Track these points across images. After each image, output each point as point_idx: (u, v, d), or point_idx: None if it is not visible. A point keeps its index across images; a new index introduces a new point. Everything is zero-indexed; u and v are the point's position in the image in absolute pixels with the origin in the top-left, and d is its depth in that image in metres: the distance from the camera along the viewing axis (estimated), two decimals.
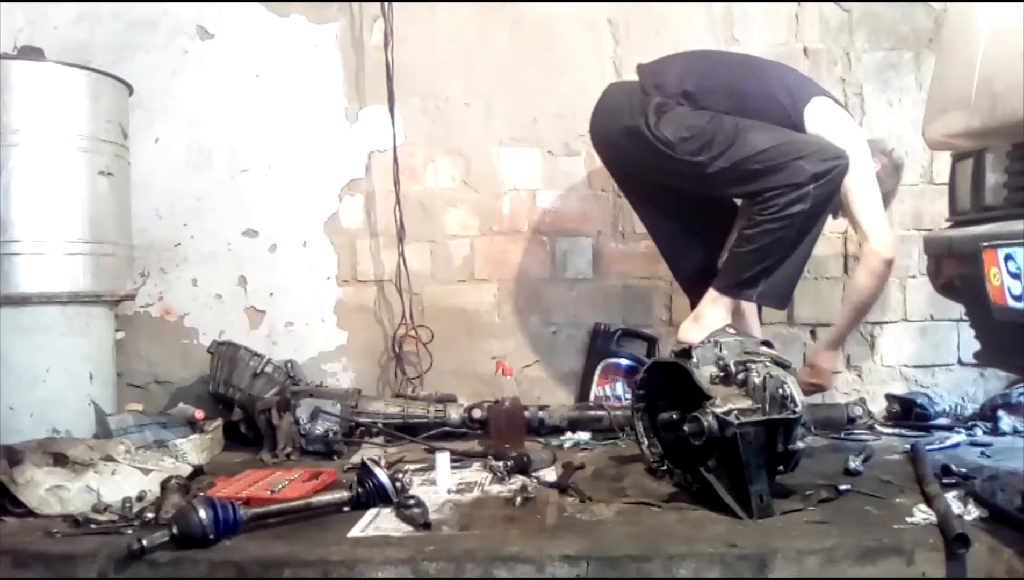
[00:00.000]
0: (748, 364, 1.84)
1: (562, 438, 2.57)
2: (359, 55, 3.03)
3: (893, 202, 2.61)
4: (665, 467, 2.02)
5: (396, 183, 2.98)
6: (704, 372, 1.89)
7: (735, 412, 1.72)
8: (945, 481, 1.93)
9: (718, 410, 1.72)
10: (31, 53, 2.54)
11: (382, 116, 2.99)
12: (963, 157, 1.85)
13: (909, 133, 2.98)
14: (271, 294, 3.05)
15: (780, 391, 1.76)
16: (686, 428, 1.77)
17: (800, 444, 1.77)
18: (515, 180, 3.05)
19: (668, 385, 2.03)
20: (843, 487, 1.88)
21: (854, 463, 2.10)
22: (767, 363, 1.85)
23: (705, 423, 1.72)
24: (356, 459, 2.26)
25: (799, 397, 1.77)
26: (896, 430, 2.69)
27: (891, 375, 3.06)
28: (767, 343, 2.08)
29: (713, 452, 1.77)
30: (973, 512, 1.70)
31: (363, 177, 3.05)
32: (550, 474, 2.11)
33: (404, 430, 2.62)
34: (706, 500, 1.80)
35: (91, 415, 2.46)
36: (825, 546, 1.57)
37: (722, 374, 1.88)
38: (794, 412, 1.75)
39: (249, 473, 2.13)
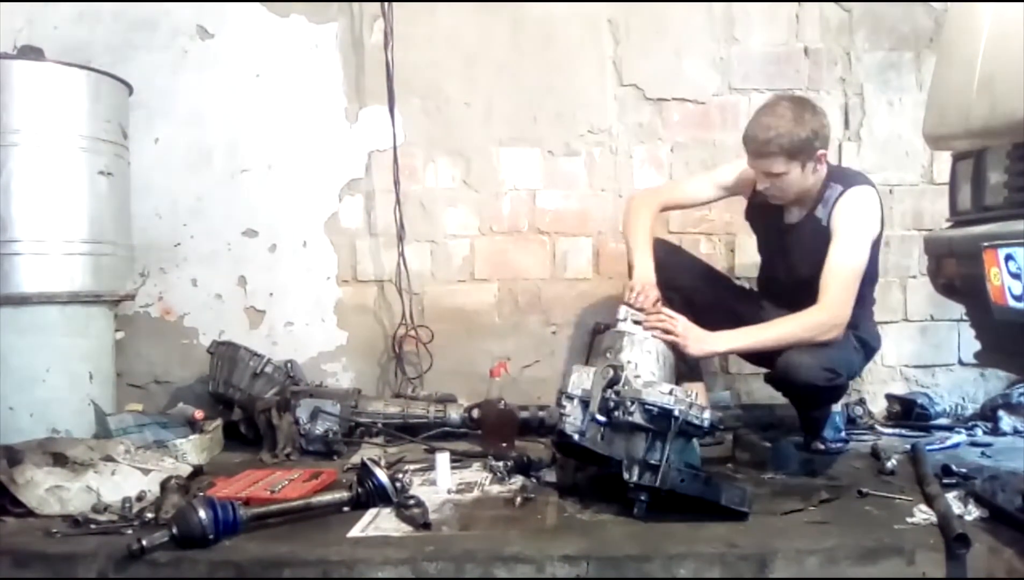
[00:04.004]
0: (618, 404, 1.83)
1: None
2: (359, 55, 3.03)
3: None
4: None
5: (396, 183, 2.98)
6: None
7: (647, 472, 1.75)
8: (945, 481, 1.93)
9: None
10: (31, 53, 2.54)
11: (382, 116, 2.98)
12: (963, 157, 1.85)
13: (909, 133, 2.99)
14: (271, 294, 3.05)
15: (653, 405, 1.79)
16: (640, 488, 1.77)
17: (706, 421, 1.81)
18: (515, 180, 3.05)
19: None
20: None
21: (890, 463, 2.11)
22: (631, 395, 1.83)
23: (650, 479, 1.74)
24: (356, 459, 2.26)
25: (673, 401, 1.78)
26: (897, 430, 2.69)
27: (891, 375, 3.06)
28: None
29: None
30: (973, 512, 1.70)
31: (363, 177, 3.05)
32: (550, 474, 2.11)
33: (404, 430, 2.62)
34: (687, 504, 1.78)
35: (91, 415, 2.46)
36: (825, 546, 1.58)
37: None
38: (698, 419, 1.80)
39: (249, 473, 2.13)
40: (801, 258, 2.27)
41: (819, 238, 2.20)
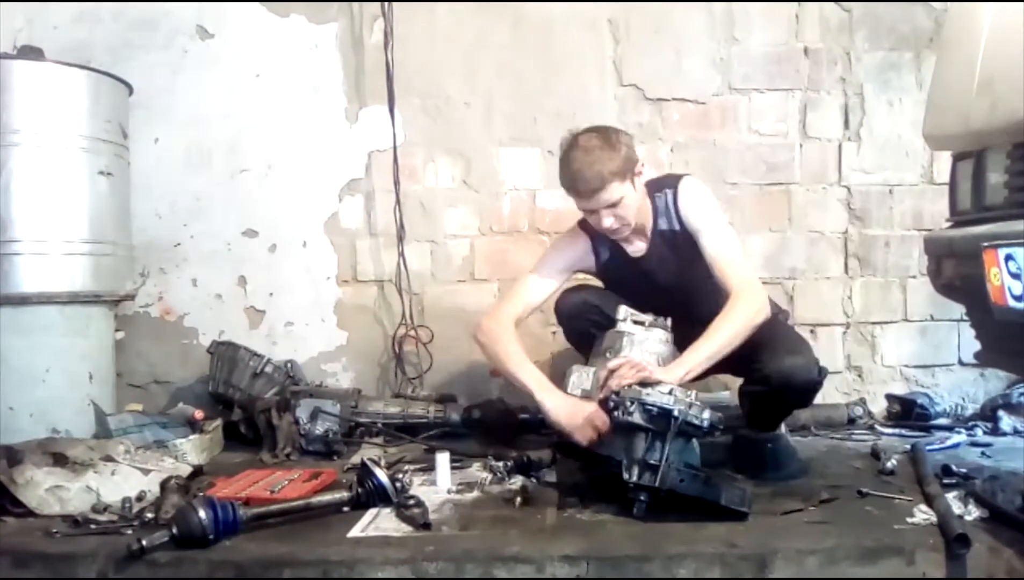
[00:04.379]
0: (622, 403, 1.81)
1: None
2: (359, 55, 3.03)
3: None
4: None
5: (396, 183, 2.98)
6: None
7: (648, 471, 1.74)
8: (945, 481, 1.93)
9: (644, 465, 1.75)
10: (31, 53, 2.54)
11: (382, 116, 2.99)
12: (963, 157, 1.85)
13: (909, 133, 2.99)
14: (271, 294, 3.05)
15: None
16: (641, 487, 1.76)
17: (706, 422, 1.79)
18: (515, 180, 3.05)
19: None
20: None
21: (889, 463, 2.11)
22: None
23: (649, 480, 1.73)
24: (356, 459, 2.26)
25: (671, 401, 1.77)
26: (896, 430, 2.69)
27: (891, 375, 3.06)
28: None
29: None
30: (973, 512, 1.70)
31: (363, 177, 3.05)
32: (550, 474, 2.11)
33: (404, 430, 2.62)
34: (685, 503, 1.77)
35: (91, 415, 2.46)
36: (825, 546, 1.58)
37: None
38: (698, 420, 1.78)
39: (249, 473, 2.13)
40: (679, 273, 2.21)
41: (683, 243, 2.18)
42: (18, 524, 1.79)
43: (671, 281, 2.24)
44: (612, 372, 1.88)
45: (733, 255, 2.11)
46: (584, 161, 2.08)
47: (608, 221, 2.12)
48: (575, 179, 2.10)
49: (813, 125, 3.04)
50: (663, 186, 2.23)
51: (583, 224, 2.28)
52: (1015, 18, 1.59)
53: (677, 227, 2.19)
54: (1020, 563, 1.52)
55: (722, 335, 1.98)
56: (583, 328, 2.28)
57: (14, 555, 1.62)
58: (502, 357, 2.20)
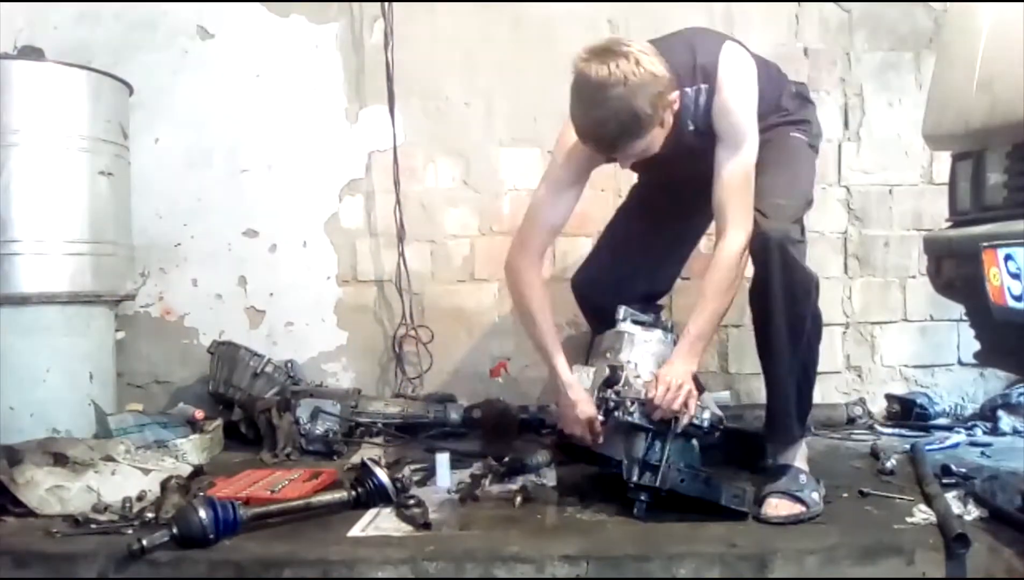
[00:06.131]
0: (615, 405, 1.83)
1: None
2: (359, 55, 3.03)
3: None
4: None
5: (396, 183, 2.98)
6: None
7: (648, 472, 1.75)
8: (945, 481, 1.93)
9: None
10: (31, 53, 2.54)
11: (382, 116, 2.99)
12: (963, 157, 1.85)
13: (909, 133, 2.99)
14: (271, 294, 3.05)
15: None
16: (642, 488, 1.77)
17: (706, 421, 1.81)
18: (515, 180, 3.05)
19: None
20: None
21: (889, 463, 2.11)
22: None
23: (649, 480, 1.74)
24: (356, 459, 2.26)
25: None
26: (896, 430, 2.69)
27: (891, 375, 3.06)
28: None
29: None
30: (973, 512, 1.70)
31: (363, 177, 3.05)
32: (550, 474, 2.11)
33: (404, 430, 2.63)
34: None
35: (91, 415, 2.46)
36: (825, 546, 1.58)
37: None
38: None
39: (249, 473, 2.13)
40: (701, 160, 1.92)
41: (708, 136, 1.90)
42: (19, 524, 1.79)
43: (690, 168, 1.97)
44: (653, 403, 1.77)
45: (740, 185, 1.84)
46: (594, 118, 1.72)
47: (627, 162, 1.92)
48: (585, 137, 1.79)
49: None
50: (697, 77, 1.88)
51: None
52: (1015, 18, 1.59)
53: (704, 129, 1.91)
54: (1020, 563, 1.52)
55: (713, 303, 1.86)
56: (599, 304, 2.18)
57: (14, 555, 1.62)
58: (525, 314, 2.03)
